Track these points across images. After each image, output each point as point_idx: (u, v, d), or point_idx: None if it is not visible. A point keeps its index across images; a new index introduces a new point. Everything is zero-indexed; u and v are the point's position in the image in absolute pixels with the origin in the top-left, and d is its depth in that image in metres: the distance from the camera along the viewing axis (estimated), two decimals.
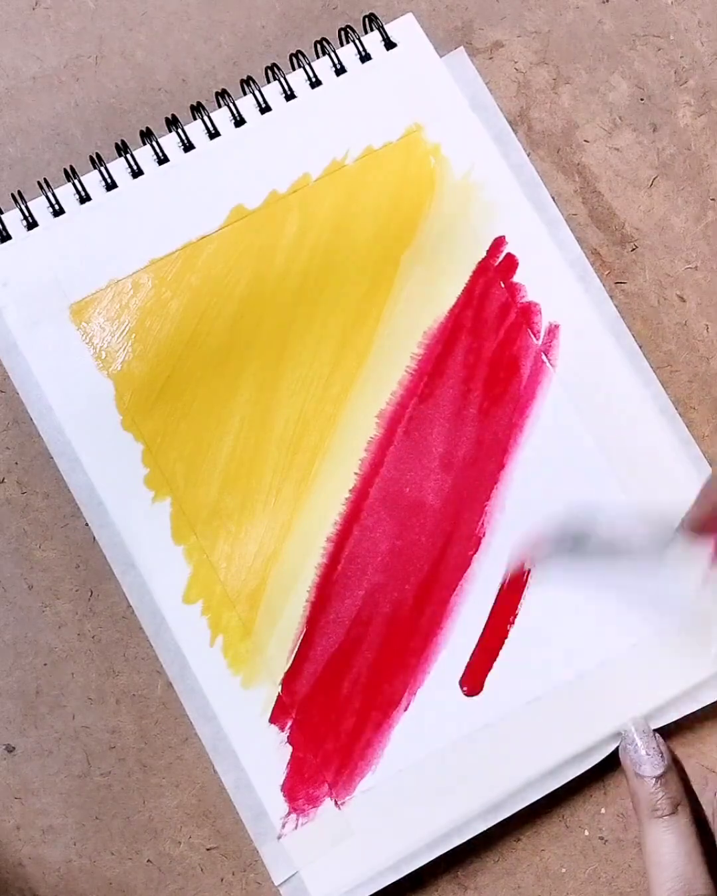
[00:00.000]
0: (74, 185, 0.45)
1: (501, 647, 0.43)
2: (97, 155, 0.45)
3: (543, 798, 0.42)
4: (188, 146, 0.45)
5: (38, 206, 0.45)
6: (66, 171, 0.45)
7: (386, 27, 0.46)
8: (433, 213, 0.45)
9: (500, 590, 0.43)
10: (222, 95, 0.46)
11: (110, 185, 0.45)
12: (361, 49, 0.46)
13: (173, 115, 0.46)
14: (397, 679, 0.43)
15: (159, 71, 0.47)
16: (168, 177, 0.45)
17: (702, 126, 0.47)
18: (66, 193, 0.45)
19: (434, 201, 0.45)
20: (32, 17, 0.47)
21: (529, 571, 0.43)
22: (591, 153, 0.47)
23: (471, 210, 0.45)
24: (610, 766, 0.42)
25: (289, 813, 0.42)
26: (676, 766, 0.42)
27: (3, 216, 0.45)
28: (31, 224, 0.45)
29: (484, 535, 0.43)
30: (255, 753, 0.42)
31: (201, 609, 0.43)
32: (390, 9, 0.47)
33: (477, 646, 0.43)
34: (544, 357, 0.44)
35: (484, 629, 0.43)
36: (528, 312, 0.45)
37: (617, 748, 0.42)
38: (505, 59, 0.47)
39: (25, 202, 0.45)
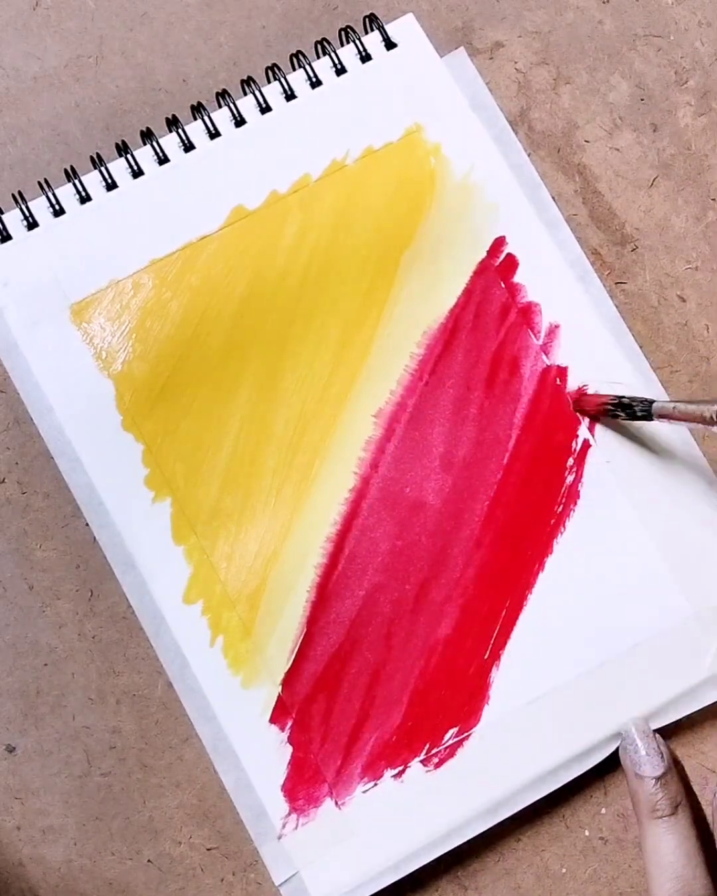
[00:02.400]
0: (75, 185, 0.45)
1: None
2: (97, 155, 0.45)
3: (543, 798, 0.42)
4: (189, 146, 0.45)
5: (39, 207, 0.45)
6: (66, 171, 0.45)
7: (386, 27, 0.46)
8: (434, 213, 0.45)
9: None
10: (223, 95, 0.46)
11: (111, 186, 0.45)
12: (361, 49, 0.46)
13: (174, 116, 0.46)
14: (396, 679, 0.43)
15: (159, 71, 0.47)
16: (168, 177, 0.45)
17: (702, 126, 0.47)
18: (66, 193, 0.45)
19: (434, 201, 0.45)
20: (32, 17, 0.47)
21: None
22: (591, 153, 0.47)
23: (471, 210, 0.45)
24: (610, 766, 0.42)
25: (289, 813, 0.42)
26: (676, 767, 0.42)
27: (3, 216, 0.45)
28: (32, 224, 0.45)
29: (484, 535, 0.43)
30: (255, 753, 0.42)
31: (201, 609, 0.43)
32: (390, 9, 0.47)
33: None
34: (544, 357, 0.44)
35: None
36: (528, 312, 0.45)
37: (617, 748, 0.42)
38: (505, 59, 0.47)
39: (26, 202, 0.45)
